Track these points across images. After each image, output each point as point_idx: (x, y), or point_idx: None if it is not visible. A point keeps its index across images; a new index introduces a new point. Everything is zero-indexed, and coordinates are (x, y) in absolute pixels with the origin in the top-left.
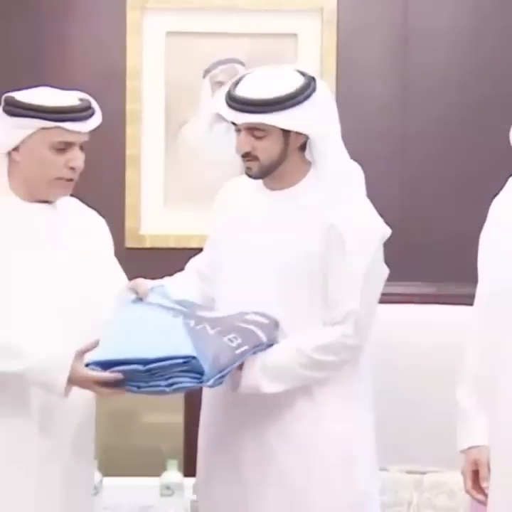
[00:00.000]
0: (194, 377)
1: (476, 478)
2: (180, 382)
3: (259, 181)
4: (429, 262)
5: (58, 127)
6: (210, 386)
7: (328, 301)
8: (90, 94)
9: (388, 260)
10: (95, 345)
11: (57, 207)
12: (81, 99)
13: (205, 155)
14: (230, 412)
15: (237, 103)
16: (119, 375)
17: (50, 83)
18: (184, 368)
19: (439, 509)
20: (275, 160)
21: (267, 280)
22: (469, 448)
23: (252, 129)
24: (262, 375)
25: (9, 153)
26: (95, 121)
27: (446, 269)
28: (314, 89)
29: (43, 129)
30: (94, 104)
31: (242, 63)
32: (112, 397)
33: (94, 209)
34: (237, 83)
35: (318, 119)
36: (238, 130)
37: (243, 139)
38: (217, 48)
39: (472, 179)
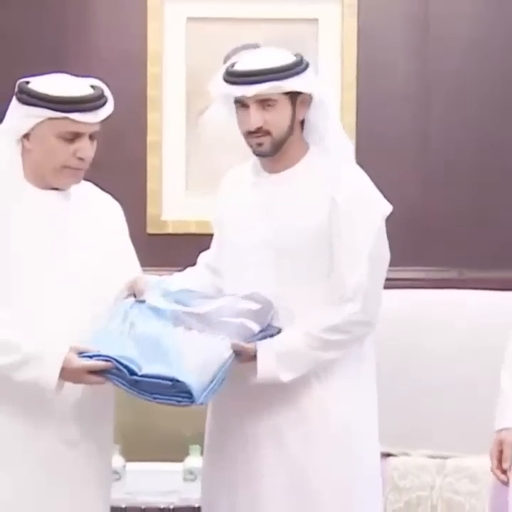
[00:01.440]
0: (183, 397)
1: (501, 458)
2: (166, 399)
3: (258, 166)
4: (452, 246)
5: (66, 118)
6: (202, 404)
7: (334, 280)
8: (112, 81)
9: (410, 245)
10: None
11: (70, 194)
12: (93, 87)
13: (228, 138)
14: (236, 392)
15: (245, 76)
16: (110, 365)
17: (72, 69)
18: (171, 389)
19: (461, 493)
20: (285, 133)
21: (268, 260)
22: (501, 429)
23: (262, 102)
24: (277, 364)
25: (21, 141)
26: (106, 111)
27: (468, 254)
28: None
29: (52, 118)
30: (107, 93)
31: None
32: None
33: (116, 195)
34: (232, 66)
35: (322, 83)
36: (244, 107)
37: (254, 113)
38: (238, 33)
39: (496, 164)
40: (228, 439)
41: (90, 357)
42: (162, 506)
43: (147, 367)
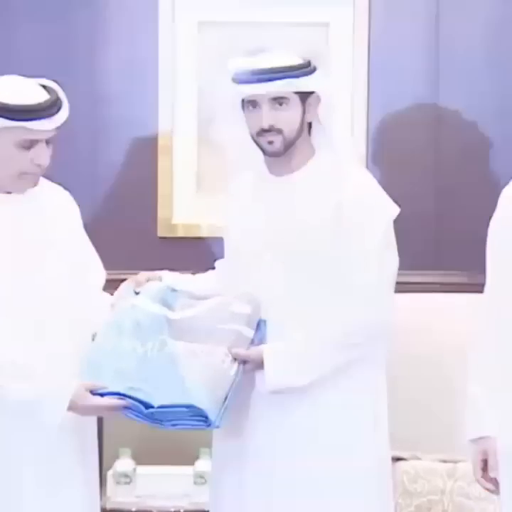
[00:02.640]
0: (199, 421)
1: (485, 467)
2: (182, 425)
3: (265, 170)
4: (466, 250)
5: (23, 127)
6: (217, 427)
7: (343, 281)
8: (123, 84)
9: (424, 249)
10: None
11: (24, 195)
12: (46, 88)
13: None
14: (247, 393)
15: (257, 74)
16: (124, 402)
17: (83, 75)
18: (187, 414)
19: (473, 498)
20: (296, 132)
21: (276, 262)
22: (479, 438)
23: (274, 100)
24: (286, 368)
25: None
26: (62, 116)
27: (482, 258)
28: None
29: (7, 127)
30: (62, 95)
31: None
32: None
33: (127, 198)
34: (241, 67)
35: (332, 84)
36: (254, 107)
37: (266, 111)
38: (249, 38)
39: (510, 168)
40: (237, 439)
41: (101, 395)
42: (172, 510)
43: (159, 396)
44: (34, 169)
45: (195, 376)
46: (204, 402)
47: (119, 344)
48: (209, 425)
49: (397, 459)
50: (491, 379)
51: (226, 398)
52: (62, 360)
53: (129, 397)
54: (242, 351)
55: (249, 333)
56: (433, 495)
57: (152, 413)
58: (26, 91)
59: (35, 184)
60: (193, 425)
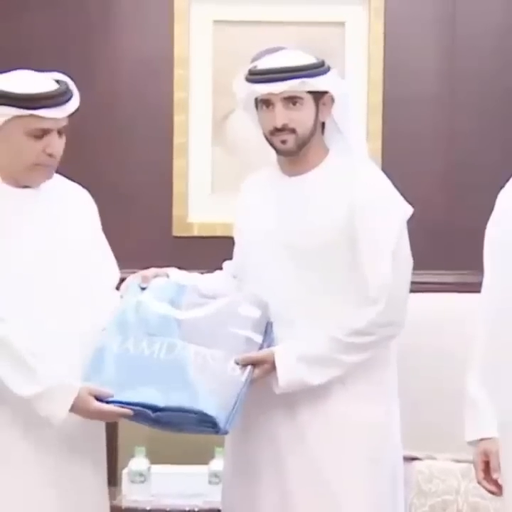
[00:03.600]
0: (207, 427)
1: (487, 469)
2: (191, 429)
3: (278, 170)
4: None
5: (33, 115)
6: (226, 433)
7: (357, 281)
8: (138, 84)
9: (437, 248)
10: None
11: (41, 189)
12: (58, 82)
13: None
14: (260, 394)
15: (272, 74)
16: (128, 411)
17: (98, 73)
18: (195, 419)
19: (487, 498)
20: (309, 132)
21: (288, 262)
22: (480, 440)
23: (288, 99)
24: (298, 367)
25: None
26: (72, 105)
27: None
28: None
29: (18, 116)
30: (72, 87)
31: None
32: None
33: (142, 197)
34: (255, 66)
35: (346, 84)
36: (268, 106)
37: (280, 110)
38: (265, 36)
39: None
40: (250, 440)
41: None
42: (187, 509)
43: (166, 397)
44: (46, 160)
45: (205, 382)
46: (213, 409)
47: (124, 344)
48: (217, 432)
49: (411, 459)
50: (489, 378)
51: (235, 404)
52: (67, 358)
53: (135, 404)
54: (253, 355)
55: (258, 338)
56: (448, 495)
57: (159, 417)
58: (36, 81)
59: (48, 177)
60: (201, 431)
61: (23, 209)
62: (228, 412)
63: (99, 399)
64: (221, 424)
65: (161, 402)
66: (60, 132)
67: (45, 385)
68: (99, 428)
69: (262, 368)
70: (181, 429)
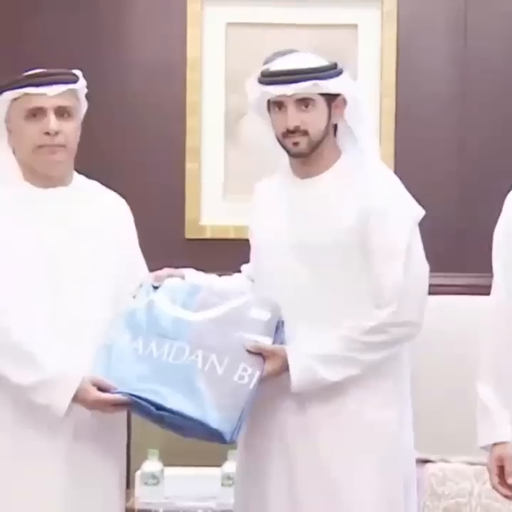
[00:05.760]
0: (212, 436)
1: (501, 473)
2: (195, 436)
3: (290, 172)
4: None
5: (25, 93)
6: (232, 442)
7: (370, 282)
8: (151, 86)
9: (451, 251)
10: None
11: (73, 191)
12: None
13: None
14: (273, 392)
15: (284, 75)
16: (129, 400)
17: (111, 75)
18: (201, 429)
19: (501, 500)
20: (321, 134)
21: (301, 264)
22: (494, 444)
23: (300, 101)
24: (314, 366)
25: (10, 143)
26: (64, 85)
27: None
28: None
29: (15, 100)
30: (78, 73)
31: None
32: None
33: (155, 200)
34: (267, 69)
35: (359, 86)
36: (280, 108)
37: (292, 112)
38: (277, 39)
39: None
40: (260, 439)
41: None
42: (200, 511)
43: (172, 400)
44: (47, 139)
45: (211, 394)
46: (218, 421)
47: (132, 343)
48: (224, 442)
49: (425, 461)
50: (502, 382)
51: (241, 414)
52: (75, 354)
53: (138, 397)
54: (264, 345)
55: (268, 340)
56: (461, 497)
57: (162, 416)
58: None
59: (58, 159)
60: (206, 439)
61: (44, 208)
62: (234, 424)
63: (101, 390)
64: (226, 436)
65: (165, 401)
66: (61, 114)
67: (47, 374)
68: (120, 423)
69: (272, 362)
70: (186, 435)
